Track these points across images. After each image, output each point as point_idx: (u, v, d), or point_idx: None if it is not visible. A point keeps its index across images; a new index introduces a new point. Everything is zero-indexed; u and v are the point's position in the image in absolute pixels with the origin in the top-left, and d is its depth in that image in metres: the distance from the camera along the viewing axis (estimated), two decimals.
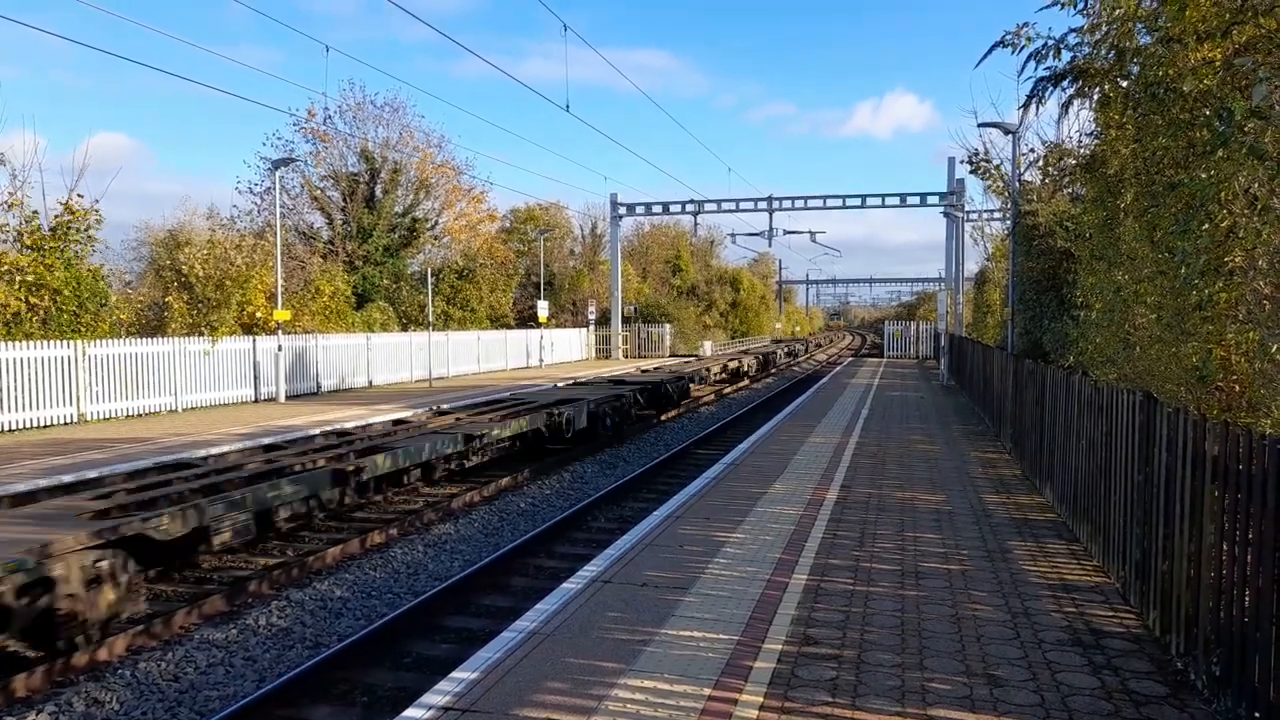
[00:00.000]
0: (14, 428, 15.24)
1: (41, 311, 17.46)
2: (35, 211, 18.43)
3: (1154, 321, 8.10)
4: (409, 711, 4.33)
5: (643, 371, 27.39)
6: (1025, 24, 7.64)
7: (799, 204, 37.32)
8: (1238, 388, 6.99)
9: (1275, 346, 5.87)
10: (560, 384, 22.74)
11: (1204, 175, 6.31)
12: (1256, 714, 3.89)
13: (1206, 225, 6.37)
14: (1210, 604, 4.45)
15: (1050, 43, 7.63)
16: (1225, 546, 4.31)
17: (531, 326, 36.46)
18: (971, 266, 37.53)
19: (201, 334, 20.61)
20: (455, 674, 4.76)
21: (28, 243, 17.73)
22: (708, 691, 4.49)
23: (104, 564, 6.94)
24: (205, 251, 23.08)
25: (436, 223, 39.68)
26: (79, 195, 18.76)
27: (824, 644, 5.15)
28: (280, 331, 20.93)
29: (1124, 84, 8.06)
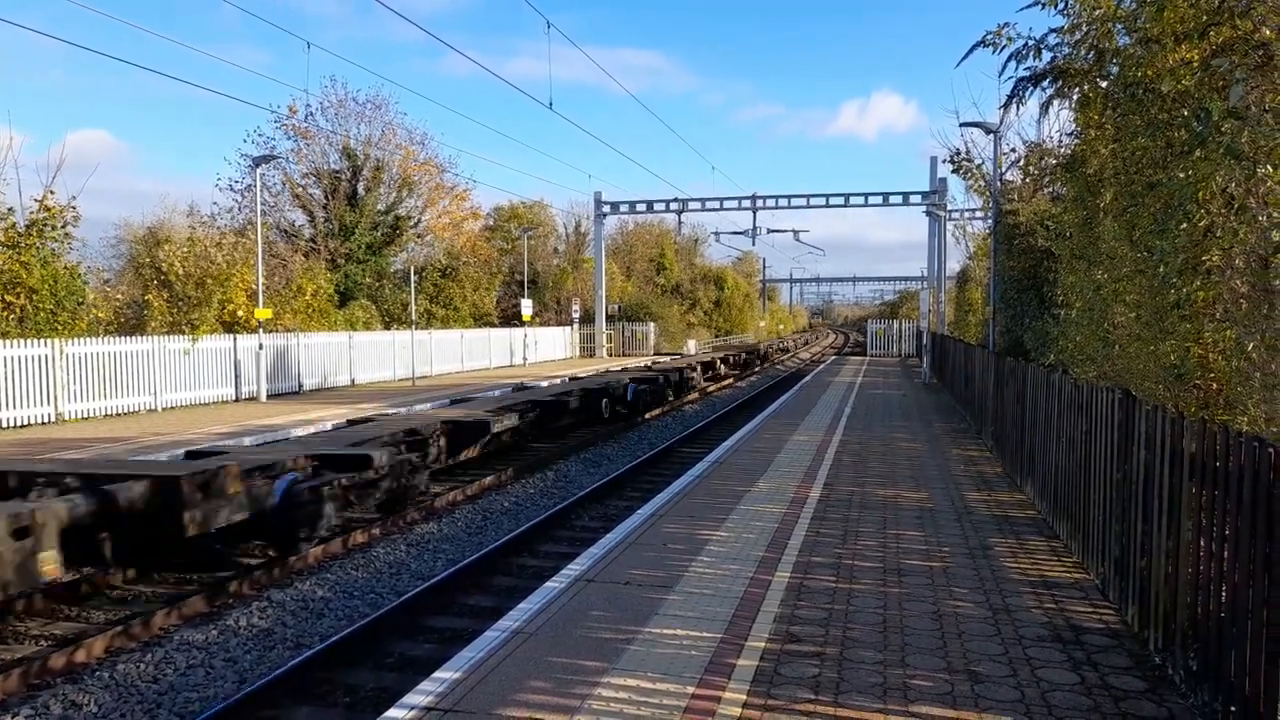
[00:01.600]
0: None
1: (17, 310, 17.24)
2: (10, 208, 18.19)
3: (1133, 320, 8.17)
4: (391, 712, 4.31)
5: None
6: (1006, 24, 7.70)
7: (783, 203, 37.43)
8: (1215, 385, 7.06)
9: (1251, 345, 5.93)
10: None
11: (1182, 175, 6.38)
12: (1233, 708, 3.93)
13: (1185, 224, 6.43)
14: (1188, 599, 4.50)
15: (1030, 43, 7.69)
16: (1202, 543, 4.35)
17: (515, 325, 36.37)
18: (953, 265, 37.77)
19: (182, 332, 20.41)
20: (438, 674, 4.74)
21: (2, 240, 17.49)
22: (691, 690, 4.49)
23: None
24: (185, 249, 22.87)
25: (419, 220, 39.54)
26: (51, 191, 18.53)
27: (807, 641, 5.17)
28: (261, 330, 20.77)
29: (1103, 84, 8.14)
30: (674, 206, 39.05)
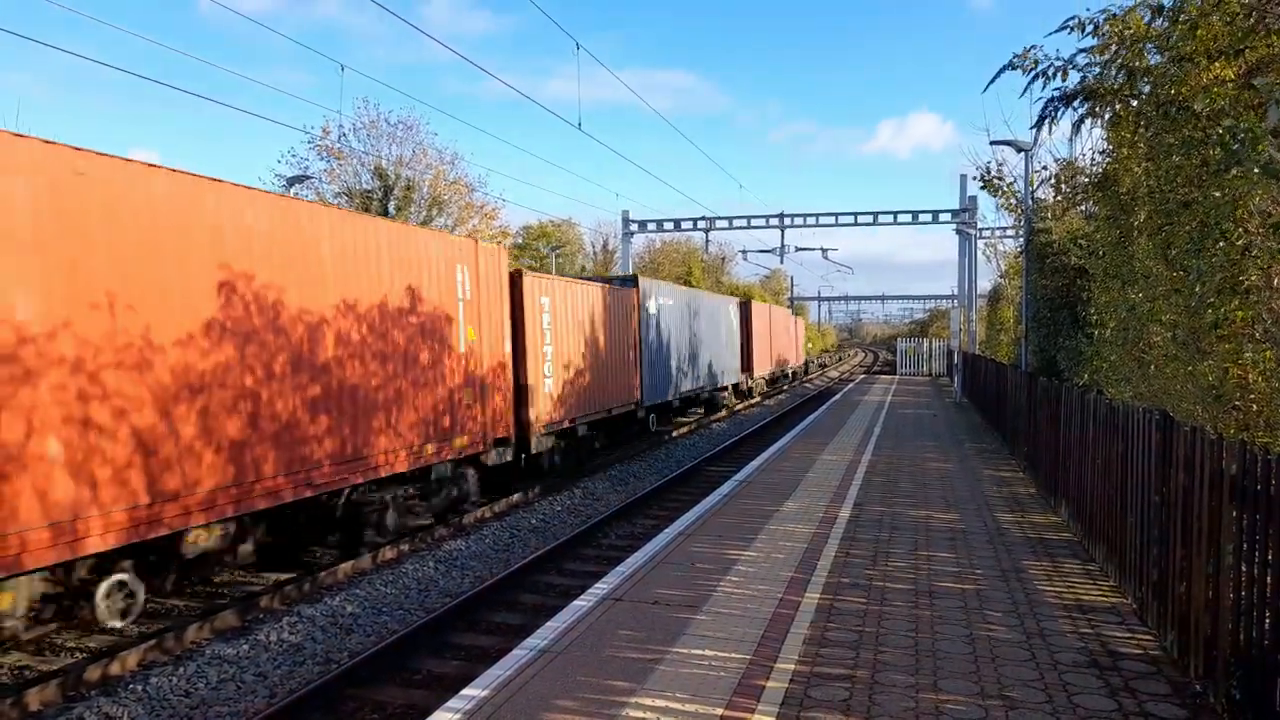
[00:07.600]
0: None
1: None
2: None
3: (1169, 340, 8.05)
4: None
5: None
6: (1032, 47, 7.67)
7: (811, 221, 37.33)
8: (1255, 407, 6.92)
9: None
10: None
11: (1218, 194, 6.29)
12: None
13: (1221, 243, 6.34)
14: (1230, 625, 4.40)
15: (1059, 64, 7.64)
16: (1244, 567, 4.26)
17: None
18: (985, 284, 37.38)
19: None
20: (466, 691, 4.75)
21: None
22: (719, 711, 4.46)
23: None
24: None
25: None
26: None
27: (837, 664, 5.12)
28: None
29: (1135, 103, 8.06)
30: (701, 225, 39.12)
